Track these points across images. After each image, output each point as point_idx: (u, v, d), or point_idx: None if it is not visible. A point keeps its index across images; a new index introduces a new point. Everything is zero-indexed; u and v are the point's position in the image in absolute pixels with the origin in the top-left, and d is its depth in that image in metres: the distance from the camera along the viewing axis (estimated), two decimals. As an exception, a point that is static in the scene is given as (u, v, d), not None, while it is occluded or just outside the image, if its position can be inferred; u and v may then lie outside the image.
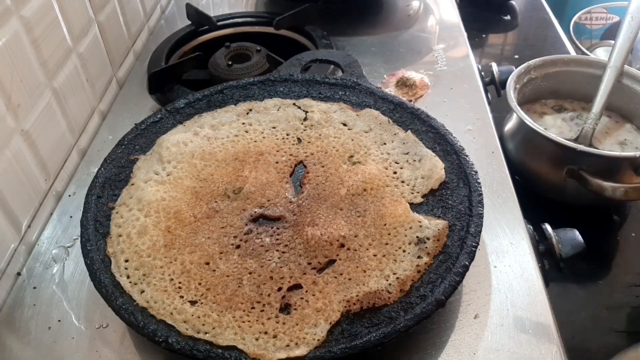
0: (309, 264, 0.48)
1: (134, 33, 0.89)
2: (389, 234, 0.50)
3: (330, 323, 0.44)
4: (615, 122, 0.79)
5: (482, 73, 0.84)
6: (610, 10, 1.32)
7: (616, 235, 0.74)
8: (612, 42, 0.75)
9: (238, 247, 0.50)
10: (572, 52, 1.08)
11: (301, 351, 0.42)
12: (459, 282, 0.46)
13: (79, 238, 0.51)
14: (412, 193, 0.54)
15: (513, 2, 1.25)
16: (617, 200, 0.67)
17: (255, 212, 0.53)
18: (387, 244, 0.50)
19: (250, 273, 0.48)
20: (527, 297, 0.50)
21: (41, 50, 0.62)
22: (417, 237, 0.50)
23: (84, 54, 0.73)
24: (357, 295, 0.46)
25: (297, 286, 0.47)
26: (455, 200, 0.53)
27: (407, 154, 0.58)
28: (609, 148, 0.75)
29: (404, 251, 0.49)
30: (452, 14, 0.97)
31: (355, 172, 0.56)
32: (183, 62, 0.82)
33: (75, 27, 0.70)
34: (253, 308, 0.45)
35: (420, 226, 0.51)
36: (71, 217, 0.62)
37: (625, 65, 0.75)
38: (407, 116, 0.62)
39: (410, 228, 0.51)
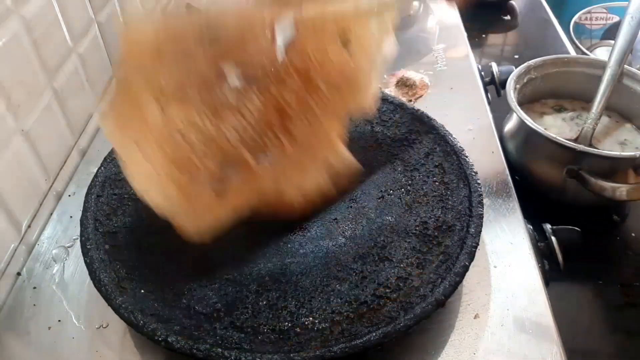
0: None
1: (134, 33, 0.89)
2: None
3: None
4: (615, 122, 0.79)
5: (482, 73, 0.84)
6: (610, 10, 1.32)
7: (616, 235, 0.74)
8: (612, 42, 0.75)
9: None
10: (572, 52, 1.08)
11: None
12: (459, 282, 0.46)
13: (79, 238, 0.51)
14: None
15: (513, 2, 1.25)
16: (618, 200, 0.67)
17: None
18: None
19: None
20: (527, 297, 0.50)
21: (41, 50, 0.62)
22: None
23: (84, 54, 0.73)
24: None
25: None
26: (455, 200, 0.53)
27: None
28: (609, 148, 0.75)
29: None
30: (452, 14, 0.97)
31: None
32: (183, 62, 0.81)
33: (75, 27, 0.70)
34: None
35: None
36: (71, 217, 0.62)
37: (625, 65, 0.75)
38: (407, 117, 0.62)
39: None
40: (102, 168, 0.57)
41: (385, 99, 0.64)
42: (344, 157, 0.50)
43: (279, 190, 0.46)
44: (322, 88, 0.48)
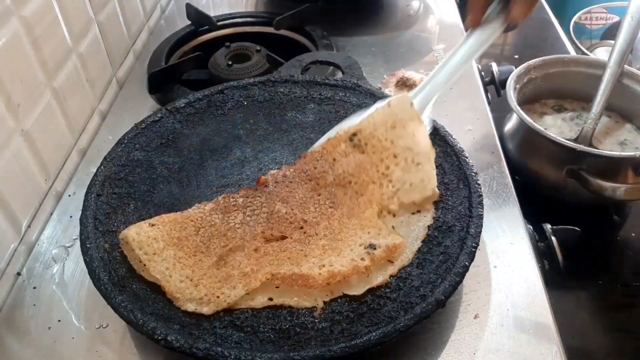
0: (263, 232, 0.50)
1: (134, 33, 0.89)
2: (348, 232, 0.51)
3: (247, 290, 0.46)
4: (615, 122, 0.79)
5: (482, 73, 0.84)
6: (610, 10, 1.32)
7: (616, 235, 0.74)
8: (612, 42, 0.75)
9: (215, 200, 0.54)
10: (572, 52, 1.08)
11: (207, 310, 0.45)
12: (459, 282, 0.46)
13: (79, 237, 0.51)
14: (393, 197, 0.52)
15: (513, 2, 1.25)
16: (617, 200, 0.67)
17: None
18: (340, 240, 0.50)
19: (211, 226, 0.51)
20: (527, 297, 0.50)
21: (41, 50, 0.62)
22: (370, 243, 0.49)
23: (84, 54, 0.73)
24: (285, 273, 0.47)
25: (241, 248, 0.49)
26: (455, 201, 0.53)
27: (411, 149, 0.55)
28: (609, 148, 0.75)
29: (351, 250, 0.49)
30: (452, 14, 0.97)
31: (348, 161, 0.55)
32: (183, 62, 0.82)
33: (75, 27, 0.70)
34: (195, 255, 0.49)
35: (379, 234, 0.50)
36: (71, 217, 0.62)
37: (625, 65, 0.75)
38: (407, 116, 0.62)
39: (369, 233, 0.50)
40: (102, 167, 0.57)
41: (385, 99, 0.64)
42: (386, 238, 0.50)
43: (300, 270, 0.47)
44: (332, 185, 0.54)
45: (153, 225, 0.50)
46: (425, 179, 0.53)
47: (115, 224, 0.53)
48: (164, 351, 0.44)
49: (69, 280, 0.55)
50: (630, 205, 0.76)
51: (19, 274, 0.56)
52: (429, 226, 0.51)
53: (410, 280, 0.47)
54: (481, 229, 0.49)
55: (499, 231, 0.56)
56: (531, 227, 0.58)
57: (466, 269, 0.46)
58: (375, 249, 0.49)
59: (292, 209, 0.52)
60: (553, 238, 0.56)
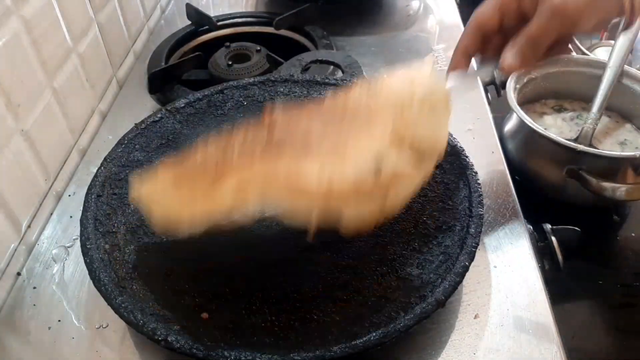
0: (261, 152, 0.45)
1: (134, 33, 0.89)
2: (356, 144, 0.44)
3: (238, 195, 0.42)
4: (615, 122, 0.79)
5: (482, 73, 0.84)
6: (610, 10, 1.31)
7: (616, 235, 0.74)
8: (612, 42, 0.75)
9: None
10: (572, 52, 1.08)
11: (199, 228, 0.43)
12: (459, 282, 0.46)
13: (79, 238, 0.51)
14: (406, 128, 0.45)
15: (513, 2, 1.25)
16: (617, 200, 0.67)
17: None
18: (346, 150, 0.43)
19: (212, 160, 0.46)
20: (527, 297, 0.50)
21: (41, 50, 0.62)
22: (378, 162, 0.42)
23: (84, 54, 0.73)
24: (280, 171, 0.42)
25: (238, 166, 0.45)
26: (455, 200, 0.53)
27: (429, 98, 0.48)
28: (609, 148, 0.75)
29: (358, 159, 0.42)
30: (452, 14, 0.97)
31: (362, 98, 0.49)
32: (183, 62, 0.82)
33: (75, 27, 0.70)
34: (194, 180, 0.46)
35: (388, 155, 0.42)
36: (71, 217, 0.62)
37: (625, 65, 0.75)
38: (407, 116, 0.62)
39: (378, 150, 0.43)
40: (102, 168, 0.57)
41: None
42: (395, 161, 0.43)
43: (298, 168, 0.41)
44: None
45: (158, 176, 0.47)
46: (437, 132, 0.47)
47: (116, 225, 0.53)
48: (164, 351, 0.44)
49: (69, 280, 0.55)
50: (630, 205, 0.76)
51: (19, 274, 0.56)
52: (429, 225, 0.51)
53: (410, 280, 0.47)
54: (481, 229, 0.49)
55: (499, 231, 0.56)
56: (531, 227, 0.58)
57: (466, 269, 0.46)
58: (381, 171, 0.42)
59: (297, 126, 0.46)
60: (553, 238, 0.56)
